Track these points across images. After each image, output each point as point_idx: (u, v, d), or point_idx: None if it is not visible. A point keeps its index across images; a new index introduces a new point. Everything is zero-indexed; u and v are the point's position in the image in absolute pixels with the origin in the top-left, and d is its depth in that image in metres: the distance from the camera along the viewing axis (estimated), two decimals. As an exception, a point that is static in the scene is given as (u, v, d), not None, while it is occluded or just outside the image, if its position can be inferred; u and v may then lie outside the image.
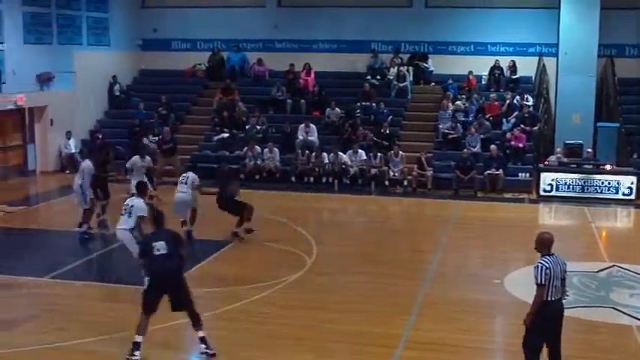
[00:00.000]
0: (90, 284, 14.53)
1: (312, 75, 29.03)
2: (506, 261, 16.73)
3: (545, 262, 9.32)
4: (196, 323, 10.88)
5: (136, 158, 20.06)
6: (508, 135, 25.42)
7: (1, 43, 23.46)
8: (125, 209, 13.96)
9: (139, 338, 10.71)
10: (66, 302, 13.56)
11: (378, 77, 29.07)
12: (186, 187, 17.63)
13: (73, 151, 26.89)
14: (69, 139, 27.00)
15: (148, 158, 20.52)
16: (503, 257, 17.18)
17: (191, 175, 17.89)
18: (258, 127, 26.81)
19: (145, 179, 18.91)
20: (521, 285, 13.90)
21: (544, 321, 9.37)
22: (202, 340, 10.87)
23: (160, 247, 10.81)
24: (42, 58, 26.20)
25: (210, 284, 14.45)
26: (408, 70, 28.86)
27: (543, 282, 9.24)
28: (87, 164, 18.34)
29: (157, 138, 26.05)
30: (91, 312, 13.04)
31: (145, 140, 26.39)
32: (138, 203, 14.01)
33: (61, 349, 11.29)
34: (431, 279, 14.99)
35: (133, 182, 19.50)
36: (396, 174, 24.45)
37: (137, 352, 10.65)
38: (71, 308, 13.21)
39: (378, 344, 11.51)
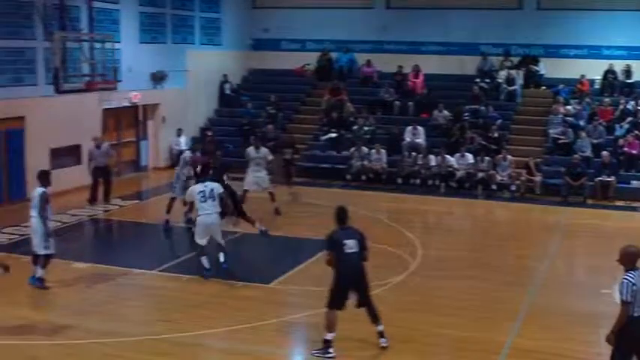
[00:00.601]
0: (196, 278, 14.84)
1: (421, 77, 28.93)
2: (616, 271, 16.18)
3: (631, 277, 9.02)
4: (376, 318, 11.10)
5: (250, 149, 20.29)
6: (621, 141, 24.73)
7: (118, 42, 24.15)
8: (205, 194, 14.34)
9: (329, 336, 10.90)
10: (173, 295, 13.93)
11: (488, 80, 28.73)
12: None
13: (184, 148, 27.37)
14: (179, 136, 27.58)
15: (264, 150, 20.38)
16: (613, 267, 16.62)
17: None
18: (366, 128, 26.86)
19: (262, 172, 19.25)
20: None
21: (631, 339, 9.03)
22: (381, 334, 11.11)
23: (352, 245, 10.91)
24: (156, 57, 26.89)
25: (317, 283, 14.55)
26: (518, 73, 28.46)
27: (629, 299, 8.93)
28: (187, 154, 18.92)
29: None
30: (197, 306, 13.33)
31: (253, 139, 26.76)
32: (213, 184, 14.66)
33: (167, 340, 11.58)
34: (537, 286, 14.75)
35: (250, 175, 19.79)
36: (504, 178, 24.09)
37: (331, 350, 10.84)
38: (178, 301, 13.53)
39: (481, 350, 11.41)
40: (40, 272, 13.65)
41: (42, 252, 13.57)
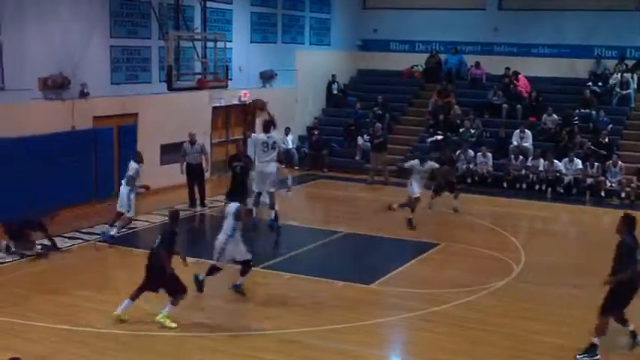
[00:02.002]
0: (297, 277, 15.03)
1: (521, 80, 28.45)
2: None
3: None
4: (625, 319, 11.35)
5: (415, 162, 19.57)
6: None
7: (230, 41, 24.57)
8: (267, 145, 16.27)
9: (597, 340, 11.08)
10: (275, 292, 14.14)
11: (600, 84, 28.07)
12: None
13: (290, 146, 27.78)
14: (287, 134, 27.92)
15: (429, 163, 19.65)
16: None
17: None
18: (472, 131, 26.66)
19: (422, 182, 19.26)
20: None
21: None
22: (634, 333, 11.30)
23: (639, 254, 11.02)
24: (266, 57, 27.28)
25: (416, 285, 14.61)
26: (632, 77, 27.69)
27: None
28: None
29: (370, 137, 26.49)
30: (298, 304, 13.51)
31: (360, 139, 26.97)
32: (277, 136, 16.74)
33: (267, 336, 11.81)
34: (644, 297, 14.38)
35: (410, 186, 19.47)
36: (614, 185, 23.54)
37: (597, 352, 11.04)
38: (280, 298, 13.73)
39: (581, 360, 11.25)
40: (240, 279, 13.63)
41: (246, 257, 13.49)
